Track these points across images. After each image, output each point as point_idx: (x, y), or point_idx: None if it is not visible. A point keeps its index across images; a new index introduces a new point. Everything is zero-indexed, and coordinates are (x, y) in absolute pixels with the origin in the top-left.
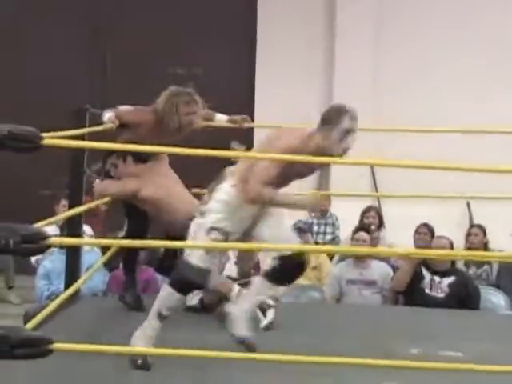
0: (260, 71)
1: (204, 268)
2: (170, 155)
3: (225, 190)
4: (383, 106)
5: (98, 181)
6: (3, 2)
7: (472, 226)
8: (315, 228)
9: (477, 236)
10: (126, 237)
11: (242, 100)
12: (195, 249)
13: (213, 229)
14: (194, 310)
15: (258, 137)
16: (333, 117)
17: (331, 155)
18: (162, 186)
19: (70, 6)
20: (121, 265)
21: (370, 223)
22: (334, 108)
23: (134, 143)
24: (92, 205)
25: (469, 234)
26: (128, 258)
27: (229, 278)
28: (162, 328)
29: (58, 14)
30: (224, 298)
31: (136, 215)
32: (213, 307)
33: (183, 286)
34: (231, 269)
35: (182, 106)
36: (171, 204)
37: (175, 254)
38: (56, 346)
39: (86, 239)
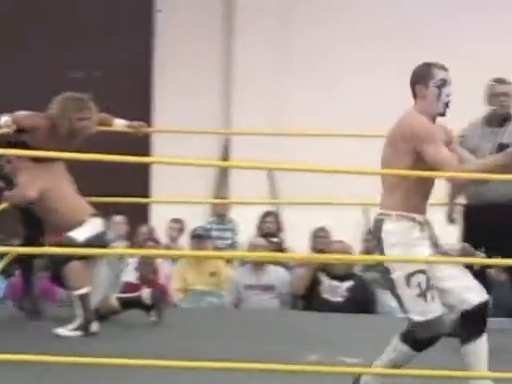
0: (158, 76)
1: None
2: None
3: None
4: (286, 109)
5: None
6: None
7: (369, 231)
8: (214, 233)
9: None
10: (22, 243)
11: (141, 103)
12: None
13: None
14: None
15: (157, 142)
16: (421, 74)
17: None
18: (53, 186)
19: None
20: (17, 272)
21: (269, 228)
22: (418, 68)
23: (32, 147)
24: None
25: (366, 240)
26: (24, 264)
27: (128, 283)
28: None
29: None
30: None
31: (31, 221)
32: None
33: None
34: (131, 274)
35: (74, 112)
36: (60, 205)
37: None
38: None
39: None
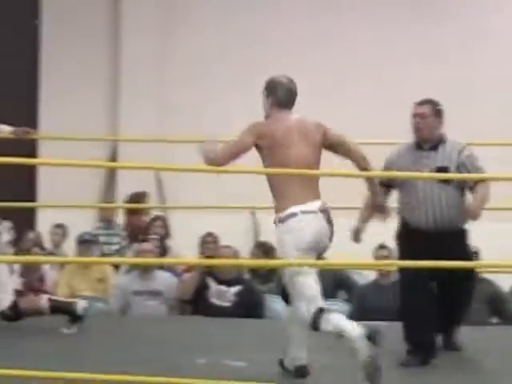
0: (45, 81)
1: None
2: None
3: None
4: (167, 114)
5: None
6: None
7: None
8: (102, 238)
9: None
10: None
11: (27, 110)
12: None
13: None
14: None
15: (43, 146)
16: None
17: None
18: None
19: None
20: None
21: (157, 233)
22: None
23: None
24: None
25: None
26: None
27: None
28: None
29: None
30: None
31: None
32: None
33: None
34: (16, 281)
35: None
36: None
37: None
38: None
39: None
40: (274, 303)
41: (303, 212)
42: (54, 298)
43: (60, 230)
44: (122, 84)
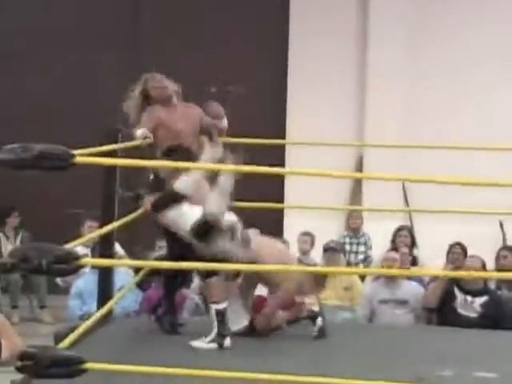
0: (292, 89)
1: None
2: None
3: None
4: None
5: None
6: None
7: (503, 247)
8: (347, 247)
9: (506, 258)
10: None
11: (276, 117)
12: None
13: None
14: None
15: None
16: None
17: None
18: None
19: None
20: (153, 284)
21: (403, 242)
22: None
23: None
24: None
25: (498, 256)
26: (168, 281)
27: None
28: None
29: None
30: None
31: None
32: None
33: None
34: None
35: None
36: None
37: None
38: (89, 365)
39: (117, 260)
40: None
41: None
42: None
43: (308, 237)
44: (368, 89)
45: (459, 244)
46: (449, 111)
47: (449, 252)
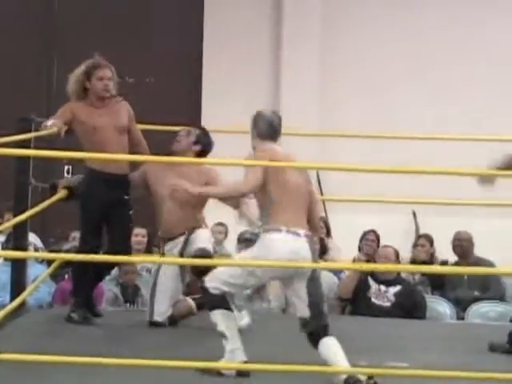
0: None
1: None
2: None
3: None
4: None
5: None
6: None
7: (419, 236)
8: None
9: (423, 247)
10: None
11: (192, 108)
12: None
13: None
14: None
15: None
16: None
17: None
18: None
19: None
20: (66, 276)
21: None
22: None
23: None
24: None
25: (415, 245)
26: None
27: None
28: None
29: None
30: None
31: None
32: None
33: None
34: None
35: None
36: None
37: None
38: (2, 356)
39: (31, 252)
40: (436, 304)
41: None
42: None
43: (222, 227)
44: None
45: (373, 231)
46: (361, 102)
47: (362, 239)
